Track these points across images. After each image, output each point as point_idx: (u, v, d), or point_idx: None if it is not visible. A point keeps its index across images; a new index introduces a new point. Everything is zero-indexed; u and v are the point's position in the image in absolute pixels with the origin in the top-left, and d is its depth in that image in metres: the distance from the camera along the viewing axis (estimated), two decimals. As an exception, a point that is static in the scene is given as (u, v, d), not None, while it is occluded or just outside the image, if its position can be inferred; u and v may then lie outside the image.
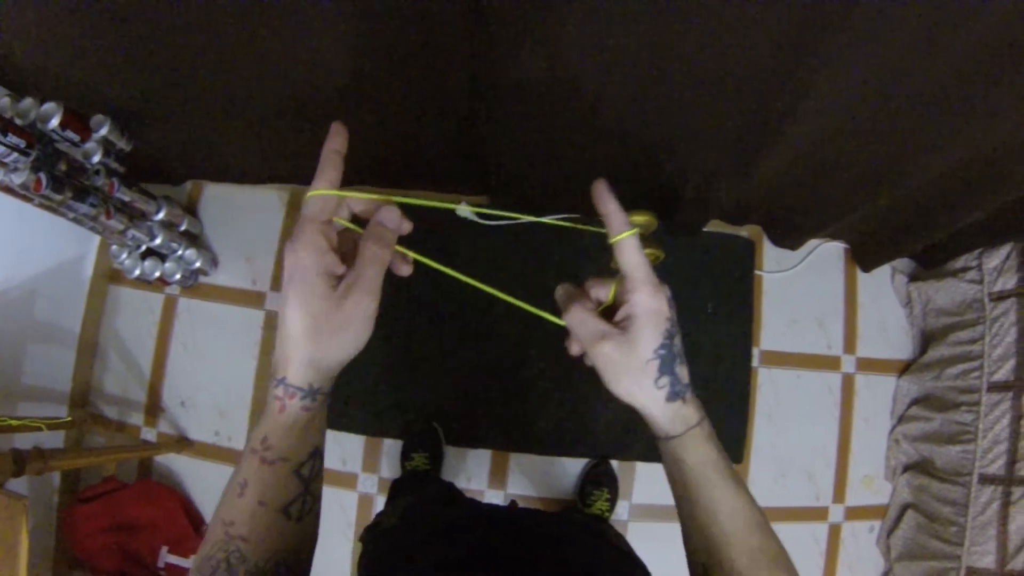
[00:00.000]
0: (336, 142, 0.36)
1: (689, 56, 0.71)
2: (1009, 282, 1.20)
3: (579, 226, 0.47)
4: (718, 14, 0.63)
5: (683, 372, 0.35)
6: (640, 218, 0.40)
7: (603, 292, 0.38)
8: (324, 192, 0.34)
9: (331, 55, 0.83)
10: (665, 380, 0.34)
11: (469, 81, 0.84)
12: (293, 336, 0.32)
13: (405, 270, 0.39)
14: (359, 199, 0.36)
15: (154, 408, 1.30)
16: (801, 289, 1.28)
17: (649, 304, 0.34)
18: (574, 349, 0.38)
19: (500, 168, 1.02)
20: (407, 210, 0.37)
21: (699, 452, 0.35)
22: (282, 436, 0.33)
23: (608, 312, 0.37)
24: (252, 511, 0.33)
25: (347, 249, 0.35)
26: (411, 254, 0.38)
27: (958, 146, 0.85)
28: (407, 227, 0.37)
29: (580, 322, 0.36)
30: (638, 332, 0.34)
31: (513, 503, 0.64)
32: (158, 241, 1.18)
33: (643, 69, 0.74)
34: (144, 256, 1.22)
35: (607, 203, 0.36)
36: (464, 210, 1.11)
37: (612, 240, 0.35)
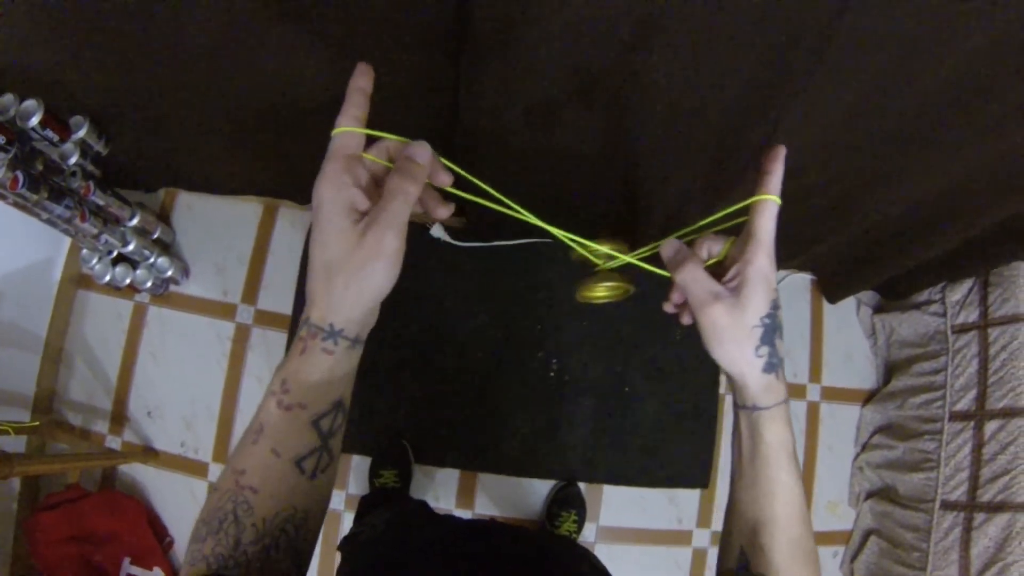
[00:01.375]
0: (362, 80, 0.34)
1: (663, 86, 0.73)
2: (971, 315, 1.24)
3: (569, 237, 0.46)
4: (693, 43, 0.65)
5: (780, 346, 0.36)
6: (612, 245, 0.42)
7: (716, 247, 0.38)
8: (347, 129, 0.33)
9: (311, 74, 0.84)
10: (765, 350, 0.35)
11: (450, 104, 0.85)
12: (315, 273, 0.31)
13: (443, 212, 0.37)
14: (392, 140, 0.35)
15: (120, 417, 1.27)
16: (769, 318, 1.30)
17: (767, 270, 0.35)
18: (670, 308, 0.40)
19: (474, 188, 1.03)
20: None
21: (779, 430, 0.35)
22: (302, 380, 0.32)
23: (713, 272, 0.37)
24: (264, 460, 0.31)
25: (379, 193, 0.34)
26: (454, 168, 0.36)
27: (923, 180, 0.88)
28: (446, 179, 0.35)
29: (694, 280, 0.36)
30: (750, 296, 0.34)
31: (492, 519, 0.64)
32: (131, 247, 1.17)
33: (618, 95, 0.76)
34: (115, 262, 1.21)
35: (776, 166, 0.37)
36: (438, 230, 1.11)
37: (757, 199, 0.36)
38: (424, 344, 1.23)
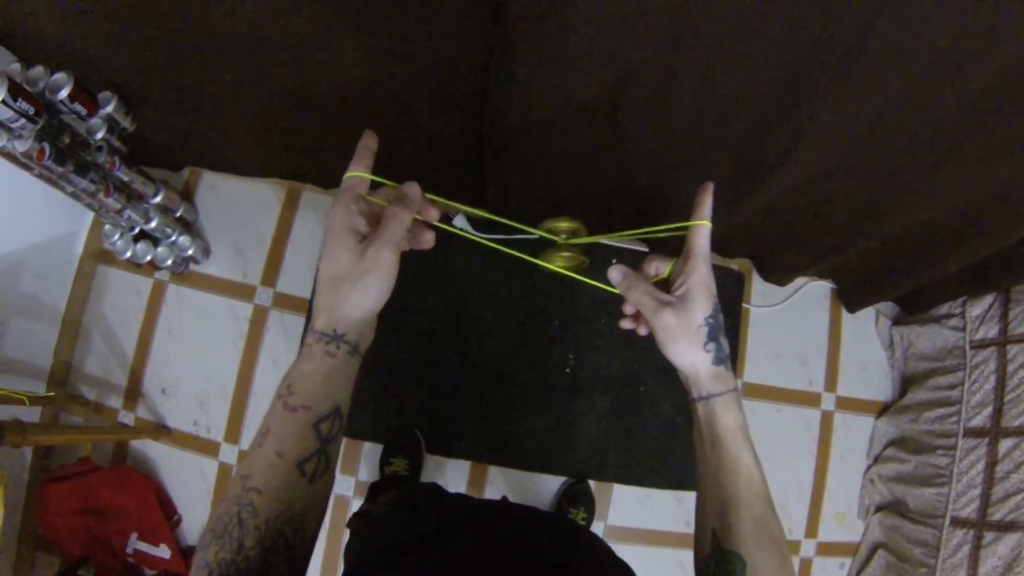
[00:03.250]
0: (370, 141, 0.43)
1: (694, 85, 0.73)
2: (991, 331, 1.23)
3: (570, 240, 0.54)
4: (726, 45, 0.65)
5: (725, 343, 0.42)
6: (570, 224, 0.52)
7: (662, 267, 0.45)
8: (357, 175, 0.40)
9: (341, 61, 0.84)
10: (712, 345, 0.41)
11: (478, 91, 0.85)
12: (322, 285, 0.37)
13: (428, 238, 0.44)
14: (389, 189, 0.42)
15: (134, 393, 1.28)
16: (786, 325, 1.30)
17: (705, 278, 0.41)
18: (625, 324, 0.47)
19: (500, 180, 1.03)
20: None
21: (733, 414, 0.40)
22: (306, 382, 0.36)
23: (660, 287, 0.44)
24: (269, 461, 0.34)
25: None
26: (439, 200, 0.45)
27: (945, 193, 0.87)
28: (434, 213, 0.43)
29: (644, 295, 0.43)
30: (693, 301, 0.41)
31: (504, 498, 0.65)
32: (153, 224, 1.17)
33: (649, 92, 0.75)
34: (136, 239, 1.21)
35: (707, 197, 0.43)
36: (461, 220, 1.11)
37: (692, 223, 0.43)
38: (442, 335, 1.23)
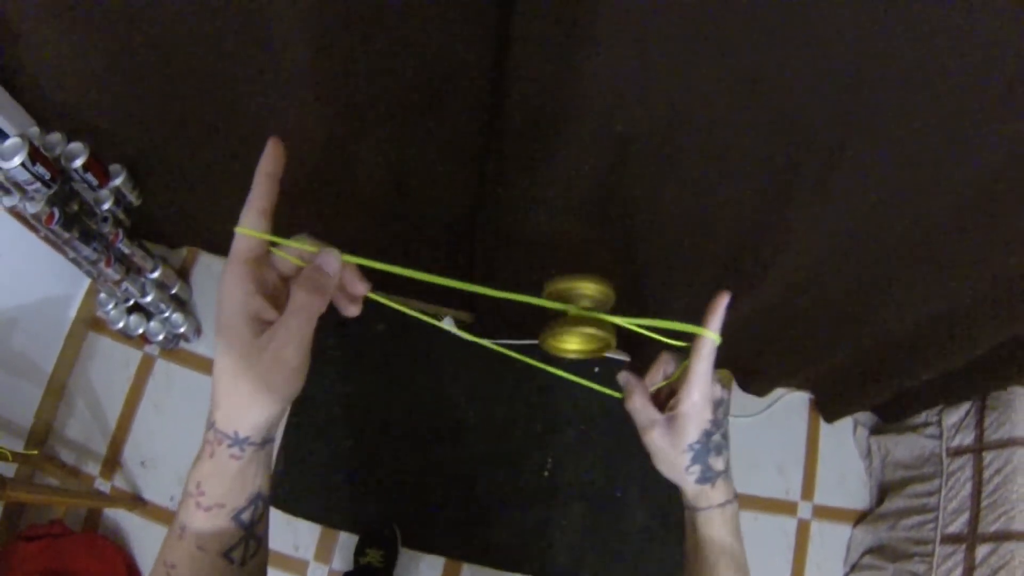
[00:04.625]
0: (269, 163, 0.33)
1: (678, 201, 0.76)
2: (967, 438, 1.24)
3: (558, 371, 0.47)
4: (706, 164, 0.68)
5: (716, 462, 0.41)
6: (597, 286, 0.40)
7: (671, 368, 0.44)
8: (247, 232, 0.31)
9: (338, 150, 0.87)
10: (696, 468, 0.41)
11: (474, 195, 0.88)
12: (219, 376, 0.31)
13: (352, 310, 0.36)
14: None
15: (113, 462, 1.28)
16: (764, 434, 1.32)
17: (696, 406, 0.40)
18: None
19: (489, 284, 1.06)
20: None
21: (712, 529, 0.41)
22: (215, 483, 0.31)
23: (667, 389, 0.43)
24: (192, 555, 0.32)
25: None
26: (374, 265, 0.35)
27: (924, 302, 0.90)
28: (362, 288, 0.35)
29: (637, 409, 0.43)
30: (681, 427, 0.40)
31: None
32: (149, 299, 1.19)
33: (636, 204, 0.79)
34: (130, 311, 1.23)
35: (719, 308, 0.41)
36: (449, 323, 1.14)
37: (698, 331, 0.40)
38: (423, 430, 1.24)
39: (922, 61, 0.50)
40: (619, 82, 0.58)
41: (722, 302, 0.41)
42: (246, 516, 0.33)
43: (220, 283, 0.31)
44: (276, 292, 0.33)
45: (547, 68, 0.59)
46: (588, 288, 0.40)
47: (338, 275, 0.33)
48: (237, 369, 0.30)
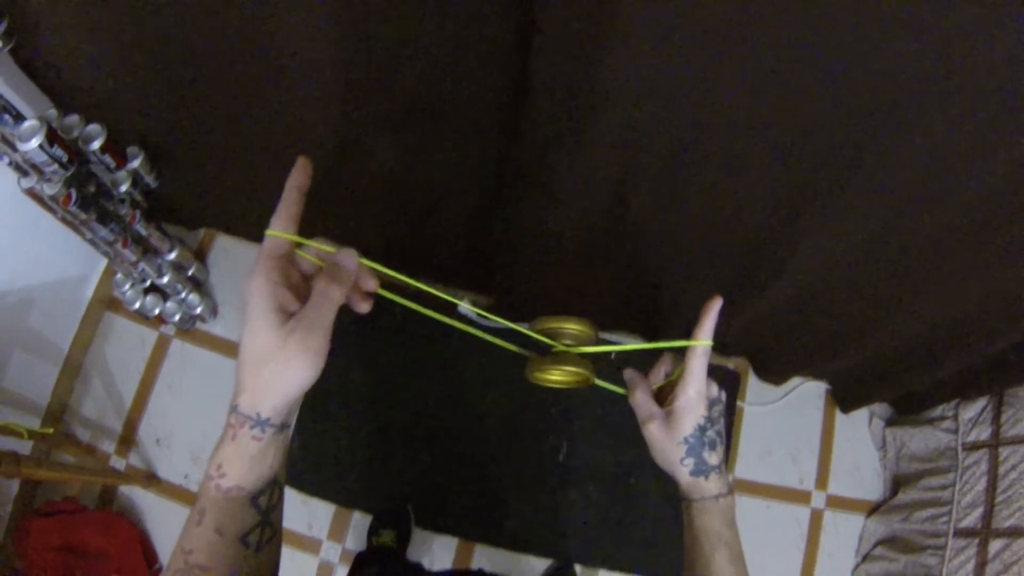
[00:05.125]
0: (298, 178, 0.37)
1: (698, 198, 0.75)
2: (983, 433, 1.23)
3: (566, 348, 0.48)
4: (728, 165, 0.68)
5: (710, 456, 0.43)
6: (578, 327, 0.46)
7: (671, 368, 0.47)
8: (278, 234, 0.35)
9: (360, 135, 0.87)
10: (690, 460, 0.43)
11: (496, 183, 0.87)
12: (244, 364, 0.33)
13: (363, 307, 0.40)
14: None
15: (128, 439, 1.29)
16: (780, 423, 1.32)
17: (691, 403, 0.43)
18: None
19: (507, 271, 1.05)
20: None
21: (706, 520, 0.42)
22: (236, 464, 0.34)
23: (668, 388, 0.46)
24: (210, 540, 0.33)
25: (308, 292, 0.36)
26: (381, 269, 0.39)
27: (938, 302, 0.90)
28: (372, 284, 0.39)
29: (638, 403, 0.46)
30: (676, 421, 0.43)
31: (480, 570, 0.67)
32: (165, 280, 1.19)
33: (656, 200, 0.78)
34: (147, 291, 1.24)
35: (710, 315, 0.44)
36: (465, 307, 1.13)
37: (694, 343, 0.43)
38: (440, 412, 1.24)
39: (943, 72, 0.50)
40: (641, 80, 0.58)
41: (714, 308, 0.44)
42: (263, 501, 0.35)
43: (249, 277, 0.34)
44: (298, 287, 0.36)
45: (569, 64, 0.59)
46: (571, 327, 0.46)
47: (356, 269, 0.37)
48: (264, 354, 0.33)
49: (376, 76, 0.74)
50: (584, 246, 0.93)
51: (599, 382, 0.48)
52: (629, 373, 0.48)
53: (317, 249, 0.37)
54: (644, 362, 0.49)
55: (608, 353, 0.51)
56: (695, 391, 0.43)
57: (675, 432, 0.43)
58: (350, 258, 0.36)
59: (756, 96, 0.58)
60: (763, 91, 0.57)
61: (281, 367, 0.33)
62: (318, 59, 0.72)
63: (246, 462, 0.34)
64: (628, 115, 0.63)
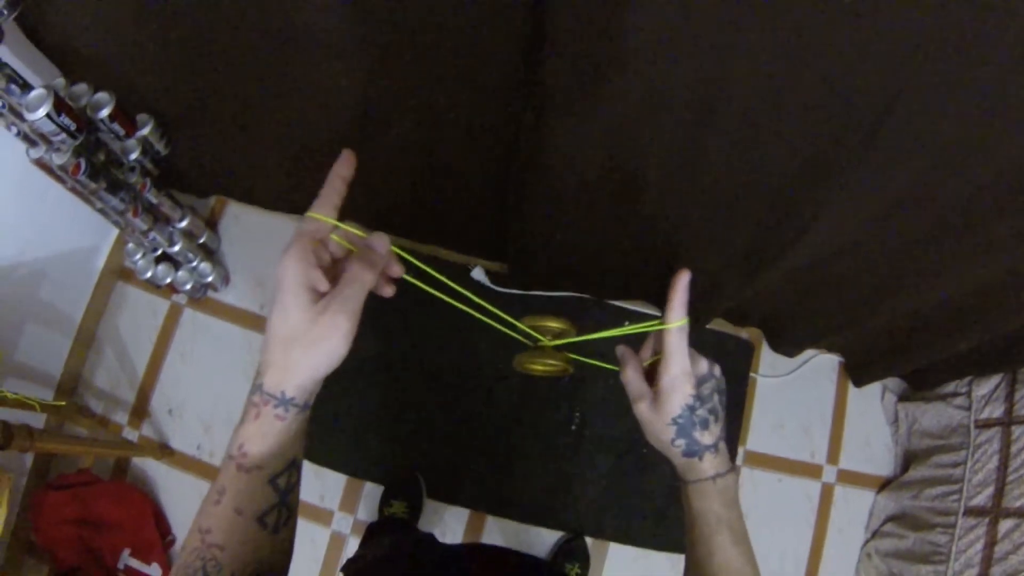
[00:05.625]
0: (344, 168, 0.38)
1: (720, 159, 0.74)
2: (996, 411, 1.23)
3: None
4: (752, 123, 0.67)
5: (703, 436, 0.42)
6: (558, 324, 0.48)
7: (660, 345, 0.45)
8: (320, 217, 0.36)
9: (373, 101, 0.86)
10: (681, 441, 0.42)
11: (510, 147, 0.86)
12: (272, 342, 0.34)
13: (388, 291, 0.41)
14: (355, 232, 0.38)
15: (140, 411, 1.29)
16: (792, 396, 1.31)
17: (675, 382, 0.41)
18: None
19: (521, 238, 1.05)
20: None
21: (704, 502, 0.41)
22: (258, 443, 0.34)
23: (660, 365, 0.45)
24: (228, 519, 0.34)
25: (338, 274, 0.37)
26: (406, 257, 0.41)
27: (957, 275, 0.88)
28: (399, 270, 0.40)
29: (628, 380, 0.44)
30: (663, 401, 0.42)
31: (491, 547, 0.67)
32: (176, 248, 1.19)
33: (676, 162, 0.77)
34: (158, 261, 1.23)
35: (679, 292, 0.42)
36: (479, 273, 1.13)
37: (666, 325, 0.42)
38: (452, 383, 1.24)
39: (971, 38, 0.48)
40: (661, 37, 0.57)
41: (681, 282, 0.43)
42: (282, 481, 0.35)
43: (285, 256, 0.34)
44: (328, 269, 0.37)
45: (587, 21, 0.57)
46: (553, 325, 0.50)
47: (387, 254, 0.38)
48: (294, 333, 0.34)
49: (391, 43, 0.73)
50: (599, 212, 0.92)
51: (595, 362, 0.49)
52: (621, 349, 0.47)
53: (349, 233, 0.37)
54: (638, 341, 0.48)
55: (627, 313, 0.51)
56: (679, 369, 0.41)
57: (663, 412, 0.42)
58: (383, 243, 0.37)
59: (782, 47, 0.55)
60: (788, 43, 0.55)
61: (310, 346, 0.33)
62: (332, 26, 0.71)
63: (267, 441, 0.34)
64: (646, 73, 0.61)
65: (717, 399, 0.43)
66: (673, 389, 0.41)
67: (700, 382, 0.42)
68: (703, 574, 0.40)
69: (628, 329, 0.47)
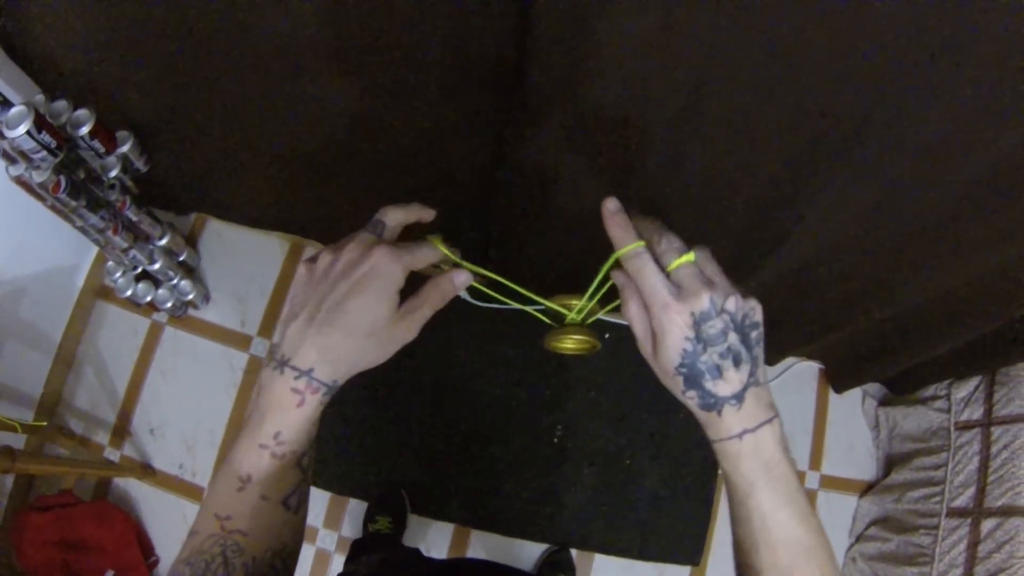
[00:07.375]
0: (427, 214, 0.42)
1: (700, 163, 0.75)
2: (975, 413, 1.25)
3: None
4: (732, 128, 0.67)
5: (717, 386, 0.34)
6: (576, 301, 0.45)
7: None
8: (440, 247, 0.39)
9: (352, 116, 0.86)
10: (693, 393, 0.35)
11: (490, 156, 0.87)
12: (346, 332, 0.34)
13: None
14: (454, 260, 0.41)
15: (122, 430, 1.28)
16: (774, 403, 1.32)
17: (663, 322, 0.34)
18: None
19: (502, 242, 1.05)
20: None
21: (730, 463, 0.35)
22: (297, 430, 0.34)
23: None
24: (255, 506, 0.33)
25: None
26: (476, 269, 0.42)
27: (938, 278, 0.90)
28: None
29: (632, 316, 0.37)
30: (660, 351, 0.35)
31: (476, 560, 0.67)
32: (157, 266, 1.18)
33: (655, 165, 0.78)
34: (138, 279, 1.23)
35: (614, 221, 0.37)
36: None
37: (616, 254, 0.37)
38: (434, 397, 1.24)
39: (951, 41, 0.49)
40: (641, 43, 0.57)
41: (608, 207, 0.38)
42: (306, 461, 0.36)
43: (390, 254, 0.36)
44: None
45: (569, 27, 0.58)
46: (576, 303, 0.47)
47: (463, 287, 0.40)
48: (374, 327, 0.35)
49: (373, 59, 0.73)
50: (583, 215, 0.93)
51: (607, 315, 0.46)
52: (621, 277, 0.38)
53: (447, 256, 0.40)
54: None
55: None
56: (661, 308, 0.34)
57: (664, 364, 0.35)
58: (463, 280, 0.39)
59: (761, 53, 0.56)
60: (768, 49, 0.55)
61: (382, 344, 0.35)
62: (312, 42, 0.71)
63: (306, 427, 0.34)
64: (628, 74, 0.62)
65: (735, 339, 0.34)
66: (664, 332, 0.34)
67: (701, 320, 0.33)
68: (742, 537, 0.35)
69: (597, 284, 0.40)
